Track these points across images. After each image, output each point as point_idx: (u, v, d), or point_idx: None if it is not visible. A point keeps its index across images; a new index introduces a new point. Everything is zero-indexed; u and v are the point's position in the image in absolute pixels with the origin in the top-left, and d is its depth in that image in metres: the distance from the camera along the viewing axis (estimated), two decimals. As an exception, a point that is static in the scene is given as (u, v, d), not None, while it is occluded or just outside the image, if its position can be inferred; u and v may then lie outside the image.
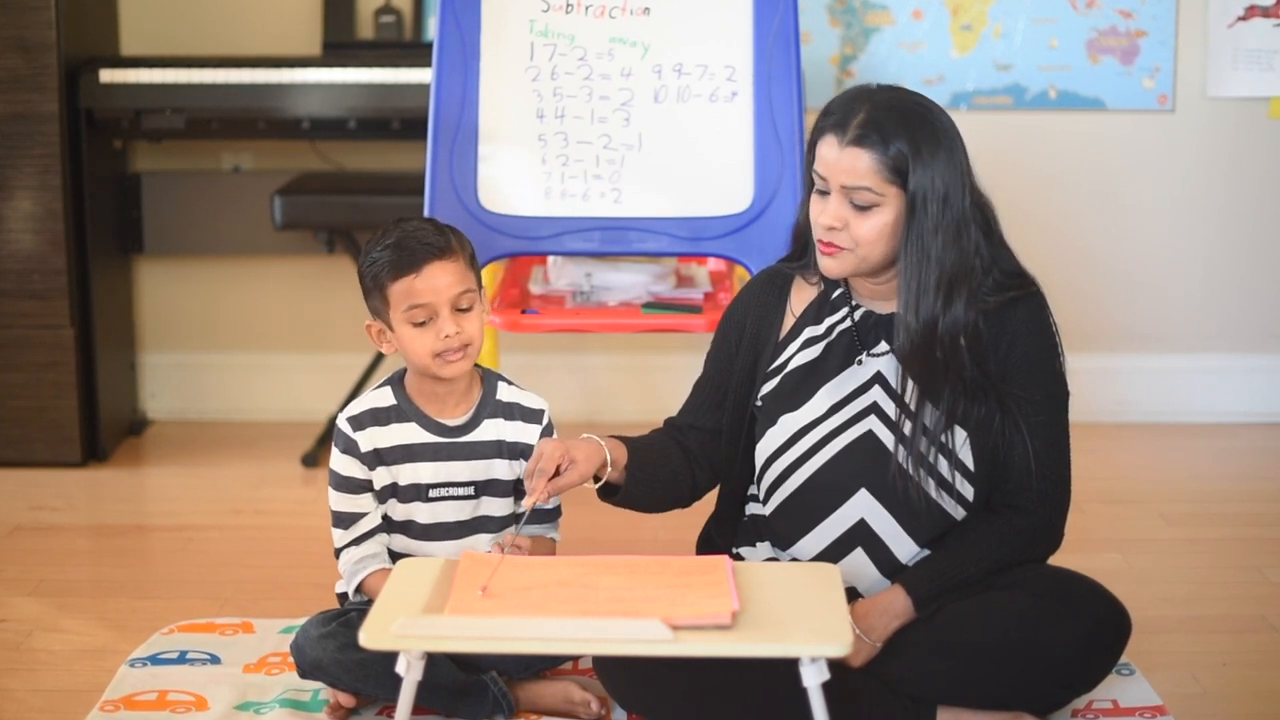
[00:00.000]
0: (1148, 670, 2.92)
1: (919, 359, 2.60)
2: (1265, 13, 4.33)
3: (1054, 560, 2.74)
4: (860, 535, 2.66)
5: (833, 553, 2.67)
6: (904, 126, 2.55)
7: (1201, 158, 4.50)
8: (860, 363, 2.69)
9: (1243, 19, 4.35)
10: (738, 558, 2.80)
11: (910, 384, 2.63)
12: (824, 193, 2.63)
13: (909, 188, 2.55)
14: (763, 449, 2.74)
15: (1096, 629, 2.60)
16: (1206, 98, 4.45)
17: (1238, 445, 4.41)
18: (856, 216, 2.59)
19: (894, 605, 2.60)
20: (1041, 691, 2.63)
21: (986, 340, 2.62)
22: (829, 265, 2.65)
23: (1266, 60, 4.36)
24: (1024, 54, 4.43)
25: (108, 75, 4.13)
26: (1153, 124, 4.48)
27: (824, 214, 2.61)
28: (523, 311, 3.46)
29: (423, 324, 2.70)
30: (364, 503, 2.78)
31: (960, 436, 2.62)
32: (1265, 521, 3.80)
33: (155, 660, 2.98)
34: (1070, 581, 2.65)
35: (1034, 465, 2.63)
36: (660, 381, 4.60)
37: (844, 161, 2.57)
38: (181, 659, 2.99)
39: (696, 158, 3.41)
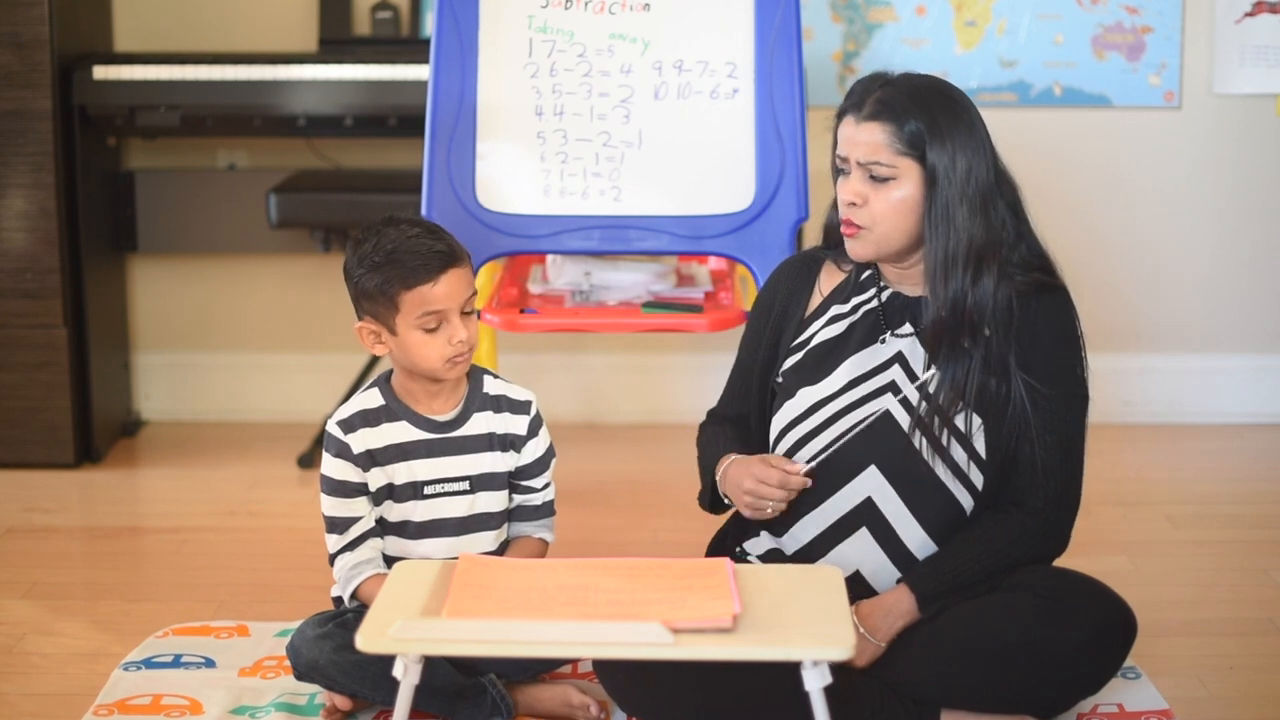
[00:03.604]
0: (1154, 674, 2.91)
1: (947, 334, 2.62)
2: (1272, 9, 4.32)
3: (1059, 562, 2.73)
4: (865, 515, 2.65)
5: (837, 531, 2.67)
6: (919, 103, 2.60)
7: (1208, 155, 4.48)
8: (883, 341, 2.69)
9: (1250, 15, 4.34)
10: (742, 553, 2.79)
11: (930, 363, 2.64)
12: (846, 173, 2.67)
13: (927, 160, 2.58)
14: (778, 421, 2.75)
15: (1102, 630, 2.59)
16: (1213, 94, 4.44)
17: (1245, 446, 4.39)
18: (875, 191, 2.62)
19: (899, 605, 2.60)
20: (1046, 694, 2.61)
21: (1018, 324, 2.63)
22: (852, 247, 2.69)
23: (1274, 57, 4.34)
24: (1029, 50, 4.41)
25: (101, 72, 4.12)
26: (1159, 121, 4.47)
27: (843, 190, 2.66)
28: (521, 311, 3.44)
29: (433, 330, 2.69)
30: (358, 507, 2.76)
31: (976, 423, 2.62)
32: (1272, 524, 3.79)
33: (149, 664, 2.97)
34: (1075, 583, 2.64)
35: (1045, 463, 2.62)
36: (660, 381, 4.59)
37: (859, 136, 2.62)
38: (176, 662, 2.98)
39: (697, 155, 3.40)
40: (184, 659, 2.98)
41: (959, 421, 2.62)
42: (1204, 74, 4.43)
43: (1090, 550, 3.52)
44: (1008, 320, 2.62)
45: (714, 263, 3.89)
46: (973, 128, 2.62)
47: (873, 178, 2.62)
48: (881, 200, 2.61)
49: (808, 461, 2.67)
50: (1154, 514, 3.84)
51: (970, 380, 2.61)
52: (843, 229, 2.68)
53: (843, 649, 2.16)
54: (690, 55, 3.42)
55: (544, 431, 2.86)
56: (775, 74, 3.39)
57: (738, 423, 2.86)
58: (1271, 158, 4.48)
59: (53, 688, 2.92)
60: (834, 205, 2.77)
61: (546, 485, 2.87)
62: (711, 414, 2.93)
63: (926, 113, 2.59)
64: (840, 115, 2.68)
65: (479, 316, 3.22)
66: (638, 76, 3.41)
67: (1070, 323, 2.68)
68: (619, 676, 2.64)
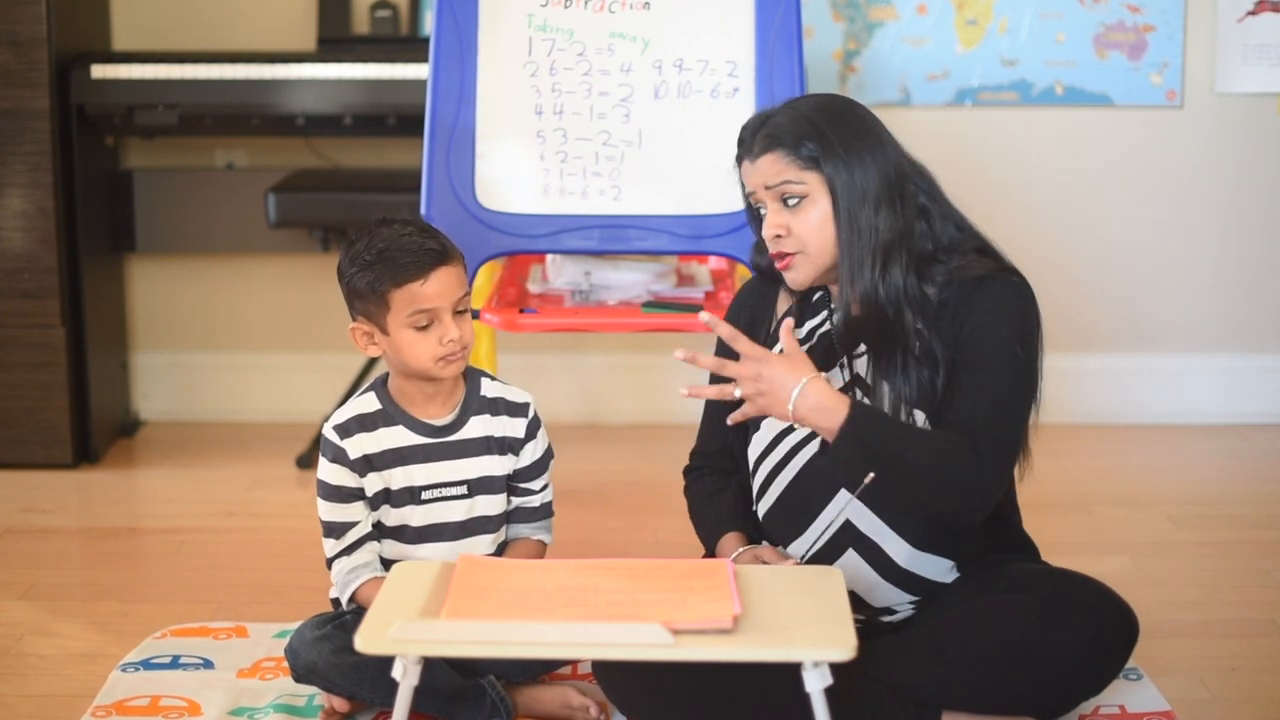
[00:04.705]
0: (1155, 675, 2.89)
1: (866, 333, 2.59)
2: (1275, 8, 4.31)
3: (1060, 562, 2.73)
4: (849, 537, 2.63)
5: (824, 555, 2.65)
6: (803, 124, 2.59)
7: (1210, 154, 4.47)
8: (842, 366, 2.66)
9: (1252, 14, 4.33)
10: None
11: (868, 369, 2.61)
12: (763, 212, 2.65)
13: (825, 171, 2.57)
14: (751, 453, 2.74)
15: (1103, 631, 2.57)
16: (1215, 94, 4.42)
17: (1247, 447, 4.38)
18: (794, 216, 2.60)
19: (829, 405, 2.47)
20: (1048, 695, 2.60)
21: (952, 311, 2.58)
22: (792, 278, 2.66)
23: (1276, 56, 4.34)
24: (1030, 49, 4.40)
25: (99, 71, 4.10)
26: (1160, 120, 4.45)
27: (766, 227, 2.64)
28: (521, 311, 3.43)
29: (425, 328, 2.67)
30: (355, 511, 2.75)
31: (920, 418, 2.58)
32: (1275, 524, 3.78)
33: (148, 665, 2.96)
34: (1077, 584, 2.62)
35: (971, 415, 2.52)
36: (660, 381, 4.58)
37: (758, 169, 2.62)
38: (174, 664, 2.97)
39: (697, 154, 3.39)
40: (182, 660, 2.97)
41: (906, 422, 2.58)
42: (1206, 73, 4.42)
43: (1092, 551, 3.51)
44: (939, 308, 2.59)
45: (714, 262, 3.88)
46: (864, 131, 2.60)
47: (786, 203, 2.60)
48: (801, 223, 2.59)
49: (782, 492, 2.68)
50: (1156, 515, 3.83)
51: (905, 375, 2.57)
52: (777, 264, 2.65)
53: (843, 650, 2.15)
54: (690, 54, 3.41)
55: (542, 433, 2.84)
56: (776, 73, 3.38)
57: (723, 467, 2.84)
58: (1274, 157, 4.47)
59: (51, 689, 2.91)
60: (756, 247, 2.76)
61: (545, 487, 2.86)
62: (694, 456, 2.91)
63: (813, 129, 2.58)
64: (738, 163, 2.67)
65: (477, 316, 3.22)
66: (638, 75, 3.40)
67: (1011, 299, 2.60)
68: (617, 678, 2.63)
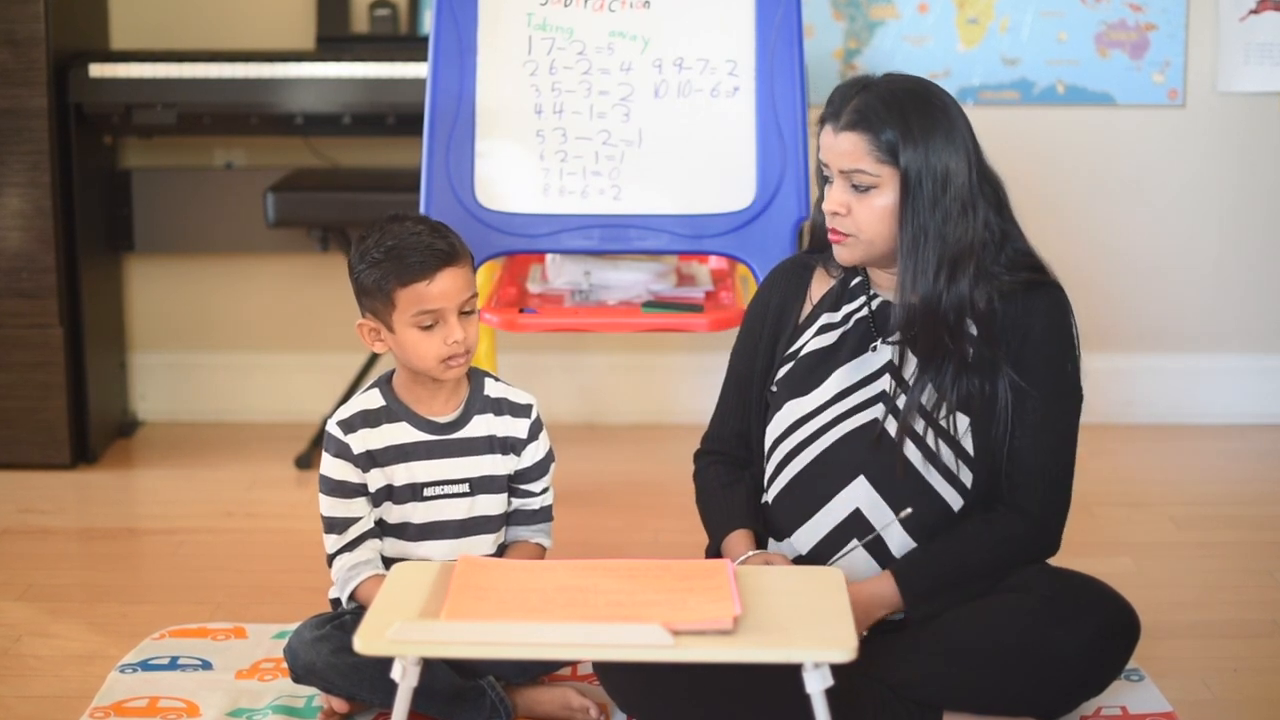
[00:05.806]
0: (1157, 676, 2.89)
1: (923, 337, 2.60)
2: (1277, 6, 4.30)
3: (1061, 563, 2.72)
4: (856, 527, 2.63)
5: (830, 544, 2.65)
6: (895, 111, 2.58)
7: (1212, 154, 4.47)
8: (874, 349, 2.68)
9: (1255, 12, 4.32)
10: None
11: (912, 366, 2.63)
12: (830, 180, 2.65)
13: (901, 166, 2.57)
14: (769, 434, 2.74)
15: (1105, 631, 2.57)
16: (1217, 93, 4.42)
17: (1249, 447, 4.37)
18: (858, 200, 2.61)
19: (880, 596, 2.58)
20: (1049, 696, 2.60)
21: (1001, 323, 2.61)
22: (840, 253, 2.68)
23: (1278, 55, 4.32)
24: (1031, 48, 4.40)
25: (97, 70, 4.09)
26: (1162, 119, 4.45)
27: (828, 200, 2.65)
28: (520, 310, 3.43)
29: (429, 328, 2.67)
30: (357, 507, 2.75)
31: (963, 423, 2.60)
32: (1277, 525, 3.78)
33: (146, 666, 2.95)
34: (1078, 584, 2.62)
35: (1035, 464, 2.61)
36: (660, 381, 4.57)
37: (839, 146, 2.61)
38: (173, 665, 2.96)
39: (697, 154, 3.39)
40: (181, 661, 2.97)
41: (945, 423, 2.60)
42: (1208, 72, 4.41)
43: (1093, 551, 3.51)
44: (990, 320, 2.61)
45: (714, 262, 3.87)
46: (951, 130, 2.59)
47: (855, 186, 2.61)
48: (865, 209, 2.60)
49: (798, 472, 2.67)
50: (1157, 515, 3.82)
51: (955, 381, 2.60)
52: (830, 235, 2.67)
53: (844, 651, 2.14)
54: (690, 53, 3.41)
55: (544, 435, 2.84)
56: (776, 72, 3.38)
57: (737, 456, 2.83)
58: (1276, 156, 4.46)
59: (49, 690, 2.90)
60: (818, 206, 2.76)
61: (545, 490, 2.86)
62: (707, 440, 2.90)
63: (902, 120, 2.57)
64: (821, 122, 2.67)
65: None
66: (638, 74, 3.40)
67: (1062, 320, 2.65)
68: (619, 678, 2.63)
